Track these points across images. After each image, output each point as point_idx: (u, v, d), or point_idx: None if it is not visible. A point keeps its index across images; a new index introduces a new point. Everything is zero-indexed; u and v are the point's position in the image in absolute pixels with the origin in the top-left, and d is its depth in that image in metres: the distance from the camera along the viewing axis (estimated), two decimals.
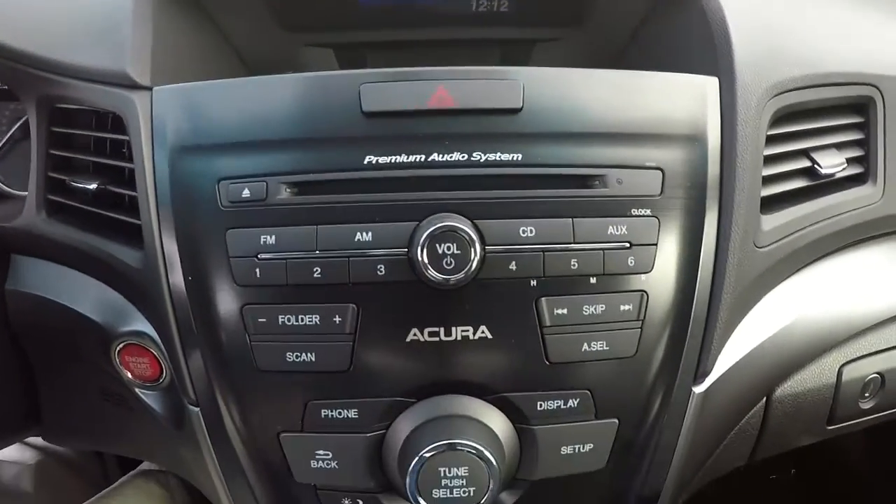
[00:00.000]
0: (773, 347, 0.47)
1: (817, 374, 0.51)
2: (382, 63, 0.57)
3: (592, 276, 0.39)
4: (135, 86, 0.42)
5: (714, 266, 0.42)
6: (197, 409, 0.43)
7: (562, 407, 0.41)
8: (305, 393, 0.40)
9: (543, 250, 0.39)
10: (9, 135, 0.55)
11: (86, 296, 0.48)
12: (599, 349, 0.40)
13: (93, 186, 0.45)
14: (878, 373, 0.53)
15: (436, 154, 0.39)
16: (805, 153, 0.48)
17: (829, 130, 0.50)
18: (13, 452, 0.73)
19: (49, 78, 0.45)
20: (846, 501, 0.94)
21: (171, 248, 0.41)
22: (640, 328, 0.41)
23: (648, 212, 0.40)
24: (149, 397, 0.47)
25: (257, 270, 0.39)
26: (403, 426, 0.40)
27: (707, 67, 0.45)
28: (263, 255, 0.39)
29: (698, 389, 0.44)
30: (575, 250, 0.39)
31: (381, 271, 0.39)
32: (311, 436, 0.41)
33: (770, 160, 0.46)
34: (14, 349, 0.52)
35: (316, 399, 0.40)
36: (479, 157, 0.39)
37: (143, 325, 0.45)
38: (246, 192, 0.40)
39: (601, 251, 0.39)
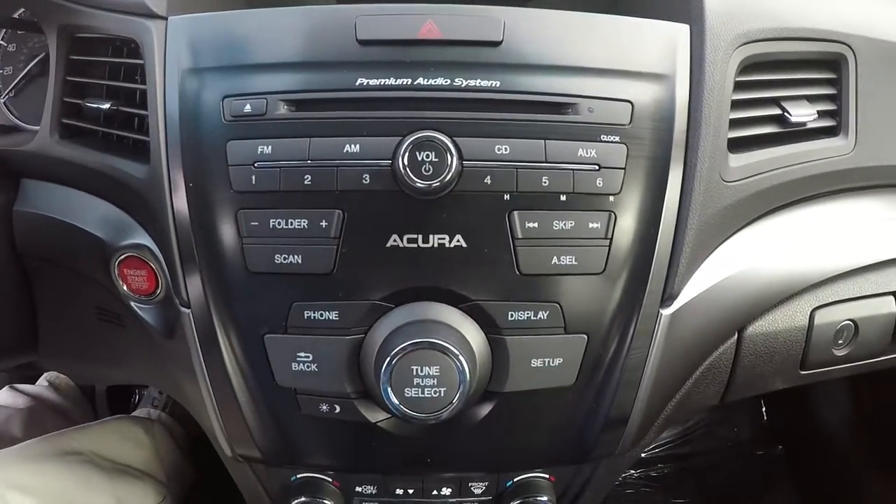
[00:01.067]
0: (744, 282, 0.54)
1: (789, 316, 0.58)
2: None
3: (562, 193, 0.47)
4: (152, 15, 0.51)
5: (681, 193, 0.49)
6: (188, 310, 0.50)
7: (532, 318, 0.47)
8: (290, 294, 0.48)
9: (517, 167, 0.46)
10: (25, 70, 0.64)
11: (90, 213, 0.56)
12: (569, 263, 0.47)
13: (106, 106, 0.53)
14: (851, 320, 0.60)
15: (421, 78, 0.47)
16: (776, 101, 0.56)
17: (802, 83, 0.57)
18: (4, 397, 0.80)
19: (72, 8, 0.54)
20: (833, 480, 1.00)
21: (176, 158, 0.49)
22: (609, 246, 0.48)
23: (617, 139, 0.48)
24: (143, 311, 0.54)
25: (253, 177, 0.47)
26: (381, 330, 0.47)
27: (682, 16, 0.53)
28: (260, 164, 0.47)
29: (666, 311, 0.50)
30: (546, 168, 0.46)
31: (366, 180, 0.46)
32: (294, 337, 0.48)
33: (739, 105, 0.53)
34: (17, 271, 0.60)
35: (300, 300, 0.47)
36: (460, 83, 0.47)
37: (143, 238, 0.53)
38: (247, 108, 0.47)
39: (571, 171, 0.47)
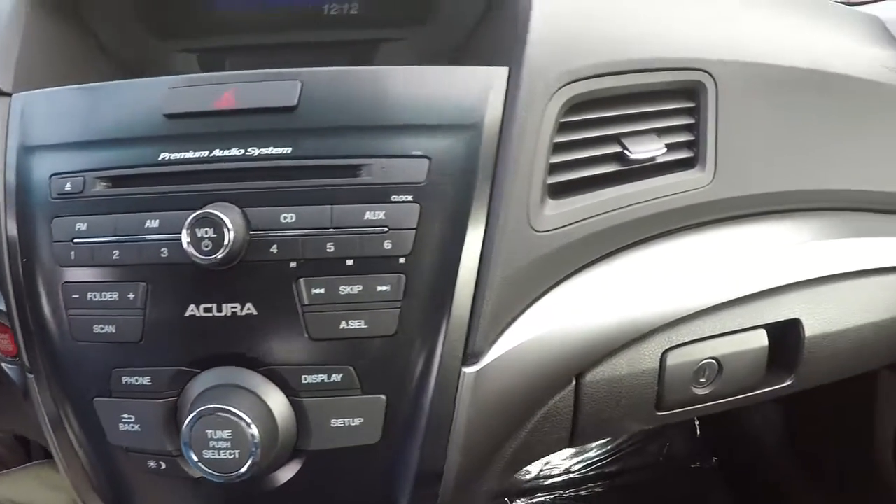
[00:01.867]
0: (574, 331, 0.55)
1: (636, 360, 0.58)
2: (241, 67, 0.70)
3: (349, 258, 0.50)
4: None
5: (482, 248, 0.51)
6: (32, 376, 0.57)
7: (325, 381, 0.51)
8: (110, 361, 0.54)
9: (301, 235, 0.50)
10: None
11: None
12: (358, 327, 0.50)
13: None
14: (713, 358, 0.59)
15: (217, 150, 0.52)
16: (616, 138, 0.55)
17: (652, 116, 0.57)
18: None
19: None
20: (768, 491, 1.01)
21: (13, 233, 0.56)
22: (400, 308, 0.50)
23: (410, 198, 0.50)
24: (11, 370, 0.62)
25: (72, 253, 0.53)
26: (189, 394, 0.53)
27: (507, 59, 0.54)
28: (78, 240, 0.53)
29: (469, 370, 0.52)
30: (331, 235, 0.50)
31: (164, 254, 0.51)
32: (117, 401, 0.54)
33: (564, 147, 0.54)
34: None
35: (118, 367, 0.53)
36: (253, 152, 0.51)
37: (2, 304, 0.60)
38: (68, 186, 0.54)
39: (357, 236, 0.50)
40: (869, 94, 0.65)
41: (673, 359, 0.59)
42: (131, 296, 0.52)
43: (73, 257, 0.53)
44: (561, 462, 1.21)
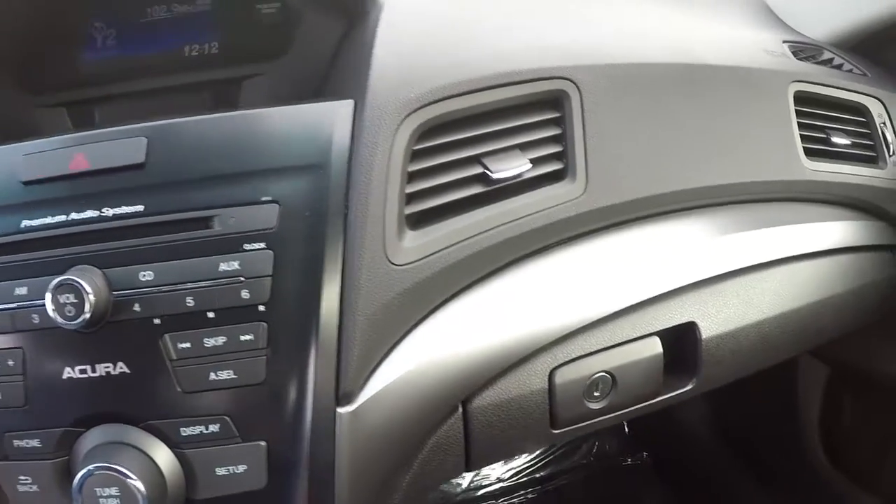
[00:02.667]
0: (454, 360, 0.58)
1: (523, 382, 0.60)
2: (110, 116, 0.73)
3: (209, 310, 0.53)
4: None
5: (341, 289, 0.54)
6: None
7: (204, 432, 0.54)
8: (1, 426, 0.58)
9: (160, 291, 0.53)
10: None
11: None
12: (227, 377, 0.53)
13: None
14: (606, 371, 0.61)
15: (74, 213, 0.55)
16: (477, 159, 0.57)
17: (517, 130, 0.58)
18: None
19: None
20: (701, 480, 1.05)
21: None
22: (266, 355, 0.53)
23: (263, 245, 0.53)
24: None
25: None
26: (79, 453, 0.56)
27: (355, 89, 0.56)
28: None
29: (344, 410, 0.55)
30: (189, 289, 0.53)
31: (35, 320, 0.54)
32: (13, 463, 0.58)
33: (423, 174, 0.56)
34: None
35: (8, 431, 0.57)
36: (108, 212, 0.54)
37: None
38: None
39: (215, 288, 0.53)
40: (747, 82, 0.65)
41: (561, 376, 0.61)
42: (11, 362, 0.56)
43: None
44: (491, 471, 1.24)
